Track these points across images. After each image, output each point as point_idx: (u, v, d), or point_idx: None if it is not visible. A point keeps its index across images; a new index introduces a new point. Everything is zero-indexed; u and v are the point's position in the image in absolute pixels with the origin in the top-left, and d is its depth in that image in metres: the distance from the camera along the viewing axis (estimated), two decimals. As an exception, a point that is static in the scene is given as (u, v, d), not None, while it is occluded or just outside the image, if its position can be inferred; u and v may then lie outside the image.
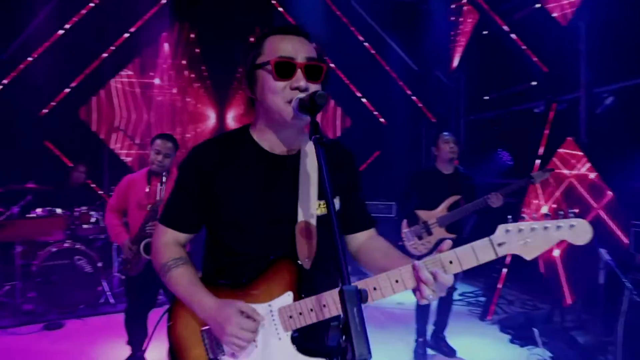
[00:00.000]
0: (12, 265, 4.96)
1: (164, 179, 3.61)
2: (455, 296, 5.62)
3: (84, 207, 5.29)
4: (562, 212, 1.25)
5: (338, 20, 7.38)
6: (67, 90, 6.83)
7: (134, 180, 3.71)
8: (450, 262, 1.23)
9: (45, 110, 6.77)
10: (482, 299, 5.58)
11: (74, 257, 4.92)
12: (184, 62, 7.11)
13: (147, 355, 3.79)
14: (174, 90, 7.08)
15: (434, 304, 4.10)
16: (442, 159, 4.05)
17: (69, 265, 4.88)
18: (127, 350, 3.74)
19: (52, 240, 4.96)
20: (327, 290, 1.28)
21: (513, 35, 5.98)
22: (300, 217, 1.38)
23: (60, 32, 6.72)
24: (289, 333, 1.32)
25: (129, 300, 3.74)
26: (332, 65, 7.51)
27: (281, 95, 1.30)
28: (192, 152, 1.46)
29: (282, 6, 7.31)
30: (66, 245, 4.89)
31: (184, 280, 1.39)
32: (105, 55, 6.92)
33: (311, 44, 1.39)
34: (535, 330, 4.12)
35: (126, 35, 6.92)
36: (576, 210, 1.26)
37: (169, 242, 1.47)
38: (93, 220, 5.29)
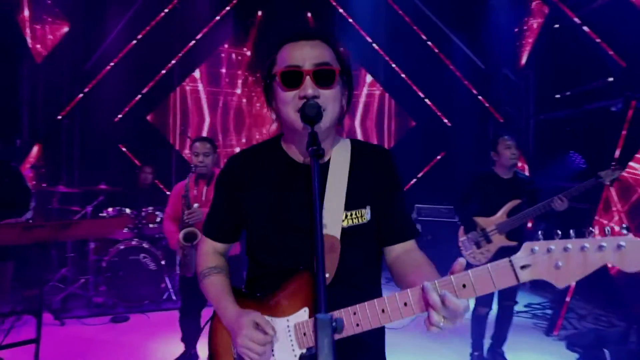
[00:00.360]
0: (86, 260, 5.34)
1: (209, 181, 3.74)
2: (520, 307, 5.31)
3: (151, 208, 5.56)
4: (610, 228, 1.08)
5: (400, 19, 7.22)
6: (139, 96, 7.25)
7: (182, 186, 3.84)
8: (464, 286, 1.08)
9: (119, 116, 7.23)
10: (549, 311, 5.22)
11: (140, 254, 5.17)
12: (248, 67, 7.27)
13: (199, 352, 3.93)
14: (238, 93, 7.26)
15: (493, 315, 3.88)
16: (502, 165, 3.82)
17: (135, 262, 5.14)
18: (181, 347, 3.88)
19: (121, 238, 5.26)
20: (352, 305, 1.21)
21: (586, 28, 5.53)
22: (323, 229, 1.31)
23: (133, 42, 7.14)
24: (303, 351, 1.27)
25: (182, 299, 3.87)
26: (393, 65, 7.38)
27: (291, 105, 1.28)
28: (227, 164, 1.48)
29: (342, 7, 7.28)
30: (133, 243, 5.16)
31: (213, 288, 1.43)
32: (173, 62, 7.27)
33: (326, 47, 1.34)
34: (607, 352, 3.77)
35: (192, 42, 7.22)
36: (625, 225, 1.08)
37: (209, 251, 1.53)
38: (158, 220, 5.54)
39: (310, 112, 1.17)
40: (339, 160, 1.40)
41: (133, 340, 4.37)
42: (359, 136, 7.34)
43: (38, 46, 6.53)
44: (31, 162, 6.16)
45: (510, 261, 1.08)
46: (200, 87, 7.33)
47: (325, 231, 1.31)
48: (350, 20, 7.19)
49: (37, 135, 6.58)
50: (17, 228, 3.16)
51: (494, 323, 3.94)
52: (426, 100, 7.48)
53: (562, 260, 1.06)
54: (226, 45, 7.30)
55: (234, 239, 1.53)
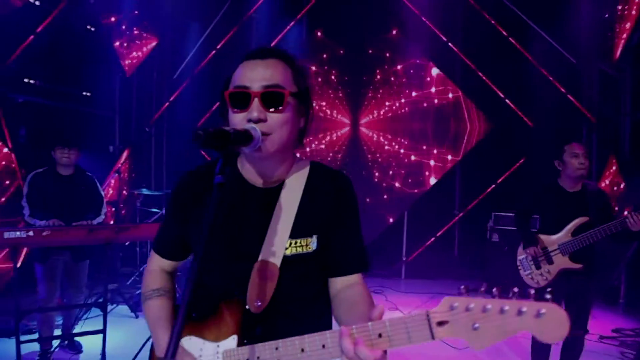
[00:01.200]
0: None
1: None
2: (608, 332, 4.77)
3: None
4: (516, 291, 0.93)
5: (477, 14, 6.80)
6: (218, 103, 7.61)
7: None
8: (380, 335, 1.01)
9: (200, 123, 7.67)
10: (642, 339, 4.61)
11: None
12: (316, 70, 7.32)
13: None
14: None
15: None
16: (567, 176, 3.43)
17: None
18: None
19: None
20: (291, 337, 1.16)
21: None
22: (263, 256, 1.28)
23: (213, 52, 7.54)
24: None
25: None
26: (469, 63, 6.97)
27: (239, 127, 1.21)
28: (181, 180, 1.45)
29: (418, 8, 7.02)
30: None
31: (151, 313, 1.41)
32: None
33: (280, 67, 1.28)
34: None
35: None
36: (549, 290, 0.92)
37: (155, 269, 1.50)
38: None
39: (194, 140, 1.04)
40: (293, 185, 1.35)
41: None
42: (431, 140, 7.05)
43: (128, 62, 7.14)
44: (120, 167, 6.74)
45: (427, 315, 0.99)
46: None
47: (266, 258, 1.28)
48: (424, 20, 6.91)
49: (127, 142, 7.22)
50: (84, 230, 3.51)
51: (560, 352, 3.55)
52: (506, 100, 6.97)
53: (479, 322, 0.95)
54: (301, 49, 7.39)
55: (183, 257, 1.50)
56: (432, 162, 6.93)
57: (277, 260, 1.28)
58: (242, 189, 1.35)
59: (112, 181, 6.44)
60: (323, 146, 7.38)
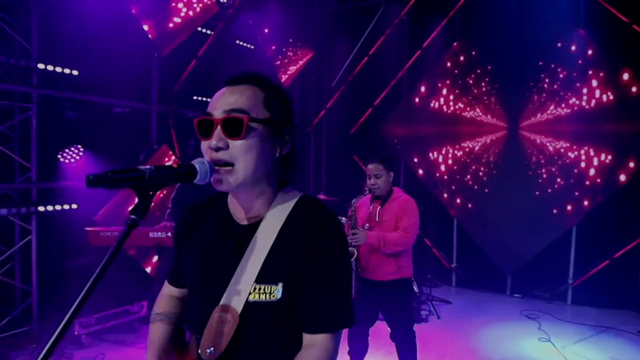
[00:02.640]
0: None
1: (383, 202, 3.71)
2: None
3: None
4: None
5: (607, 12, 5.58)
6: (370, 109, 7.68)
7: (362, 203, 3.91)
8: None
9: (353, 129, 7.83)
10: None
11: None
12: (471, 75, 6.82)
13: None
14: (460, 104, 6.88)
15: None
16: None
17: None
18: (348, 360, 4.02)
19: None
20: None
21: None
22: (225, 299, 1.21)
23: (365, 58, 7.63)
24: None
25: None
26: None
27: (206, 156, 1.18)
28: (182, 213, 1.46)
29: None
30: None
31: (150, 337, 1.43)
32: (401, 74, 7.42)
33: (249, 92, 1.21)
34: None
35: (418, 52, 7.21)
36: None
37: (164, 293, 1.52)
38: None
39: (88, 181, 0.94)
40: (271, 222, 1.24)
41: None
42: (607, 144, 5.92)
43: (284, 76, 7.67)
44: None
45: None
46: (428, 95, 7.24)
47: (227, 302, 1.20)
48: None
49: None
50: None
51: None
52: None
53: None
54: (452, 50, 6.99)
55: (185, 286, 1.47)
56: (608, 169, 5.85)
57: (238, 306, 1.18)
58: (226, 224, 1.30)
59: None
60: (477, 149, 6.84)
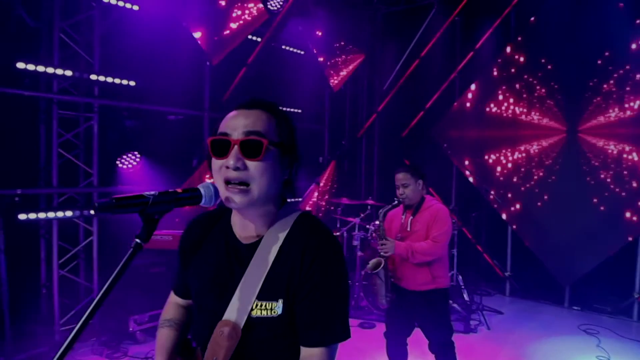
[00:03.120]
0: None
1: (415, 211, 3.66)
2: None
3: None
4: None
5: None
6: (422, 112, 7.56)
7: (395, 214, 3.87)
8: None
9: (405, 133, 7.74)
10: None
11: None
12: (527, 76, 6.53)
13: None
14: (515, 106, 6.61)
15: None
16: None
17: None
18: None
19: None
20: None
21: None
22: (228, 314, 1.26)
23: (417, 60, 7.51)
24: None
25: (386, 324, 3.93)
26: None
27: (219, 174, 1.23)
28: (187, 225, 1.51)
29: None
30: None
31: (158, 342, 1.50)
32: (453, 76, 7.24)
33: (264, 118, 1.26)
34: None
35: (471, 54, 7.01)
36: None
37: (171, 301, 1.58)
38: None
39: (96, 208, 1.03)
40: (270, 241, 1.29)
41: (364, 348, 4.73)
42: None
43: (334, 80, 7.71)
44: (319, 177, 7.32)
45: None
46: (481, 98, 7.02)
47: (230, 318, 1.26)
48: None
49: (333, 153, 7.80)
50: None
51: None
52: None
53: None
54: (507, 52, 6.73)
55: (190, 297, 1.51)
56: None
57: (240, 321, 1.24)
58: (229, 243, 1.35)
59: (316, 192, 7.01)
60: (533, 153, 6.55)
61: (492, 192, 6.30)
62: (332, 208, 6.82)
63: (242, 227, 1.33)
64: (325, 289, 1.24)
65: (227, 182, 1.21)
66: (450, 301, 5.73)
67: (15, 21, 4.29)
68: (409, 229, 3.65)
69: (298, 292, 1.24)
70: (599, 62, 5.84)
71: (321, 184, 7.38)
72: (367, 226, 5.85)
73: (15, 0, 4.22)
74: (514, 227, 6.72)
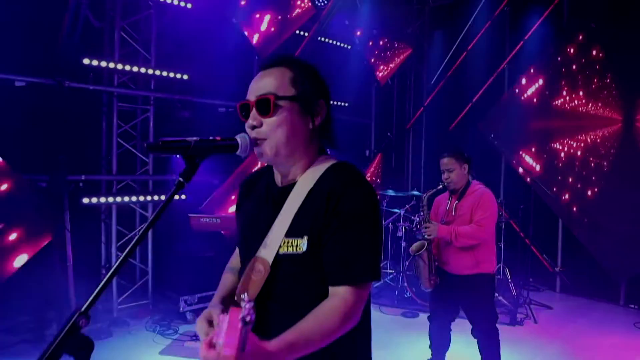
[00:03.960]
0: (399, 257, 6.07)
1: (460, 196, 3.67)
2: None
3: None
4: None
5: None
6: (470, 105, 7.46)
7: (440, 199, 3.91)
8: None
9: (452, 126, 7.67)
10: None
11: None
12: (580, 65, 6.31)
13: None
14: (567, 96, 6.40)
15: None
16: None
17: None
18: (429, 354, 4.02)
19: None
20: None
21: None
22: (259, 252, 1.35)
23: (464, 53, 7.43)
24: None
25: (430, 307, 3.96)
26: None
27: (248, 134, 1.35)
28: (241, 181, 1.65)
29: None
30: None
31: (221, 282, 1.58)
32: (502, 67, 7.11)
33: (277, 74, 1.36)
34: None
35: (520, 44, 6.86)
36: None
37: (235, 251, 1.65)
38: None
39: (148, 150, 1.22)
40: (303, 185, 1.37)
41: (405, 335, 4.76)
42: None
43: (382, 73, 7.75)
44: (373, 169, 7.40)
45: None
46: (531, 89, 6.84)
47: (261, 254, 1.34)
48: None
49: (379, 146, 7.85)
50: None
51: None
52: None
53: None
54: (559, 40, 6.54)
55: None
56: None
57: (269, 258, 1.32)
58: (269, 188, 1.46)
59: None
60: (587, 144, 6.33)
61: (543, 185, 6.13)
62: (380, 200, 6.89)
63: (280, 174, 1.43)
64: (351, 228, 1.28)
65: (254, 139, 1.33)
66: (496, 294, 5.65)
67: (82, 22, 4.65)
68: (454, 214, 3.66)
69: (324, 231, 1.29)
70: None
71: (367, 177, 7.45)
72: (412, 217, 5.87)
73: (83, 3, 4.58)
74: (566, 221, 6.51)
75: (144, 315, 5.02)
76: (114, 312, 4.96)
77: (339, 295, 1.26)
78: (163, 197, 5.23)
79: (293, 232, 1.32)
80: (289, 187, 1.39)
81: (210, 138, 1.27)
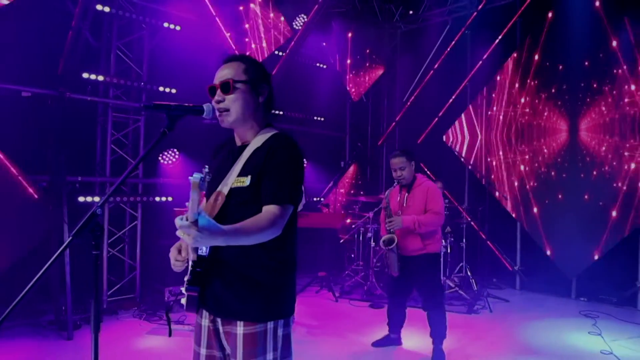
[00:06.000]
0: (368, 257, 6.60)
1: (409, 189, 4.25)
2: None
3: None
4: None
5: None
6: (436, 119, 8.12)
7: (392, 193, 4.48)
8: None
9: (420, 139, 8.30)
10: None
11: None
12: (532, 79, 7.01)
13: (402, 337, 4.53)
14: (522, 102, 7.08)
15: None
16: None
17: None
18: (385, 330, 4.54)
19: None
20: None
21: None
22: (220, 187, 1.90)
23: (431, 72, 8.13)
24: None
25: (389, 293, 4.49)
26: None
27: (215, 107, 1.92)
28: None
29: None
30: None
31: None
32: (464, 85, 7.80)
33: (235, 66, 1.92)
34: None
35: (479, 63, 7.57)
36: None
37: None
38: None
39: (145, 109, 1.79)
40: (253, 144, 1.93)
41: (365, 322, 5.26)
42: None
43: (355, 90, 8.42)
44: (348, 178, 7.98)
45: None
46: (489, 104, 7.53)
47: (221, 189, 1.90)
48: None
49: (353, 158, 8.45)
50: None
51: None
52: None
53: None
54: (511, 59, 7.26)
55: None
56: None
57: (226, 190, 1.89)
58: (231, 148, 2.03)
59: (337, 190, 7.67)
60: (538, 151, 6.97)
61: (500, 191, 6.73)
62: (352, 205, 7.43)
63: (238, 137, 2.00)
64: (279, 170, 1.84)
65: (218, 110, 1.91)
66: (457, 288, 6.19)
67: (83, 42, 5.24)
68: (405, 205, 4.24)
69: (262, 172, 1.85)
70: (586, 63, 6.34)
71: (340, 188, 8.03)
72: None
73: (83, 26, 5.18)
74: (522, 223, 7.10)
75: (131, 306, 5.49)
76: (104, 304, 5.40)
77: (269, 210, 1.80)
78: (151, 199, 5.76)
79: (243, 172, 1.88)
80: (244, 146, 1.96)
81: (185, 104, 1.84)
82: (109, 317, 5.18)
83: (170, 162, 5.94)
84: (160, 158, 5.90)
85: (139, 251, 5.79)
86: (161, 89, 5.84)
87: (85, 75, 5.22)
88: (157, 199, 5.81)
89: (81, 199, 5.19)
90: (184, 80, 5.93)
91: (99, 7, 5.27)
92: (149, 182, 5.93)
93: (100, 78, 5.35)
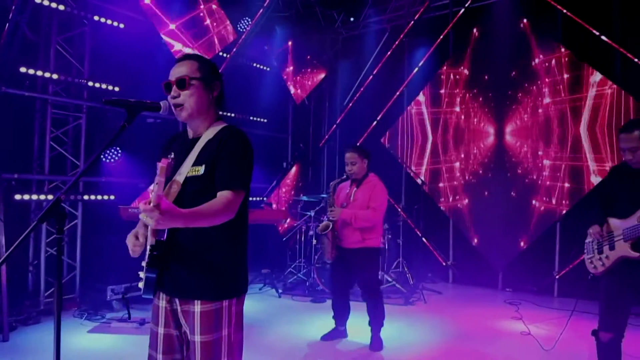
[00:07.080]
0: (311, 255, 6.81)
1: (358, 184, 4.49)
2: None
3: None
4: None
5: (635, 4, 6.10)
6: (375, 122, 8.50)
7: (343, 186, 4.71)
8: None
9: (360, 140, 8.65)
10: None
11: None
12: (465, 85, 7.54)
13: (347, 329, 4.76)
14: (457, 111, 7.59)
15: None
16: None
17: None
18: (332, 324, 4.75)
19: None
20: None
21: None
22: (176, 177, 2.02)
23: (370, 77, 8.50)
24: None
25: (330, 281, 4.71)
26: (631, 57, 6.23)
27: (170, 102, 2.05)
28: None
29: (564, 7, 6.67)
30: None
31: None
32: (401, 90, 8.24)
33: (189, 64, 2.05)
34: None
35: (415, 70, 8.03)
36: None
37: None
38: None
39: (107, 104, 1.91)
40: (206, 137, 2.07)
41: (310, 314, 5.47)
42: (586, 143, 6.46)
43: (297, 92, 8.65)
44: (290, 179, 8.18)
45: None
46: (424, 108, 8.01)
47: (176, 178, 2.02)
48: (576, 18, 6.51)
49: (295, 158, 8.67)
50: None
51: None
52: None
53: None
54: (445, 67, 7.77)
55: None
56: (592, 167, 6.35)
57: (181, 179, 2.01)
58: (185, 140, 2.15)
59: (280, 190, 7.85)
60: (467, 153, 7.50)
61: (431, 190, 7.15)
62: (295, 204, 7.63)
63: (192, 130, 2.13)
64: (230, 159, 1.99)
65: (174, 105, 2.04)
66: (394, 282, 6.54)
67: (20, 35, 5.08)
68: (351, 199, 4.48)
69: (216, 161, 1.99)
70: (513, 73, 6.96)
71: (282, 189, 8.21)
72: (322, 218, 6.66)
73: (21, 19, 5.03)
74: (453, 219, 7.61)
75: (71, 306, 5.37)
76: (41, 305, 5.26)
77: (223, 195, 1.94)
78: (92, 197, 5.68)
79: (197, 162, 2.02)
80: (196, 139, 2.10)
81: (144, 101, 1.96)
82: (47, 317, 5.05)
83: (112, 160, 5.88)
84: (102, 156, 5.82)
85: (79, 250, 5.68)
86: (104, 86, 5.78)
87: (22, 69, 5.08)
88: (99, 197, 5.73)
89: (18, 196, 5.04)
90: (127, 78, 5.89)
91: (37, 0, 5.15)
92: (90, 180, 5.83)
93: (40, 73, 5.22)
